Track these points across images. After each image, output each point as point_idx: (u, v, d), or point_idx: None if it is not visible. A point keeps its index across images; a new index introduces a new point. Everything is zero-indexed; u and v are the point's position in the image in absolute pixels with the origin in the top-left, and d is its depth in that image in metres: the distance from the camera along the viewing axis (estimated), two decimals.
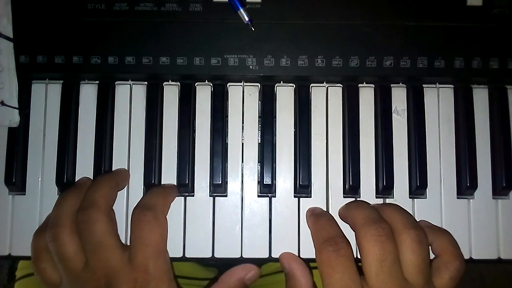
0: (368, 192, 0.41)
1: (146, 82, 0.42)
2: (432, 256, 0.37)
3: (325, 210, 0.41)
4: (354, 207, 0.38)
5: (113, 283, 0.34)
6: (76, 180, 0.41)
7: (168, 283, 0.36)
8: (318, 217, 0.39)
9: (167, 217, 0.39)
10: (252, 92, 0.42)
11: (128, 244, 0.37)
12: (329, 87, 0.42)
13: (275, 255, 0.40)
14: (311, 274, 0.37)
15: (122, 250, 0.36)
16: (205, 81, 0.42)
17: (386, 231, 0.34)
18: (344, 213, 0.39)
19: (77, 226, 0.36)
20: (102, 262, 0.35)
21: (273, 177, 0.41)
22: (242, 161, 0.41)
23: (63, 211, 0.37)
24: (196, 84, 0.42)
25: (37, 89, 0.42)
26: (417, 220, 0.40)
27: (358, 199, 0.41)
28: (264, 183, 0.40)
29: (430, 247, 0.37)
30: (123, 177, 0.40)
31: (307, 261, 0.39)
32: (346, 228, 0.38)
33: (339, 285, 0.34)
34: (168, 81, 0.42)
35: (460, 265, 0.36)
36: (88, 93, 0.42)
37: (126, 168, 0.41)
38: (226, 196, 0.41)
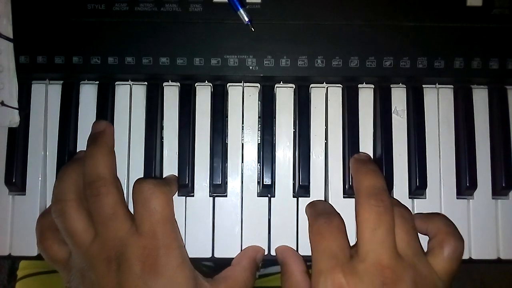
0: None
1: (146, 83, 0.42)
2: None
3: None
4: (364, 171, 0.37)
5: (123, 252, 0.34)
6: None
7: (179, 250, 0.35)
8: (314, 202, 0.40)
9: None
10: (252, 92, 0.42)
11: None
12: (329, 88, 0.42)
13: (274, 254, 0.40)
14: (304, 263, 0.37)
15: (131, 221, 0.35)
16: (205, 82, 0.42)
17: (385, 203, 0.34)
18: (355, 167, 0.38)
19: (86, 200, 0.36)
20: (112, 233, 0.35)
21: (273, 178, 0.41)
22: (242, 161, 0.41)
23: (67, 185, 0.36)
24: (196, 84, 0.42)
25: (37, 89, 0.42)
26: None
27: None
28: (264, 183, 0.40)
29: (426, 231, 0.37)
30: (110, 135, 0.40)
31: (305, 260, 0.39)
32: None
33: (326, 252, 0.33)
34: (168, 81, 0.42)
35: (455, 244, 0.35)
36: (88, 94, 0.42)
37: (126, 167, 0.41)
38: (226, 196, 0.41)
